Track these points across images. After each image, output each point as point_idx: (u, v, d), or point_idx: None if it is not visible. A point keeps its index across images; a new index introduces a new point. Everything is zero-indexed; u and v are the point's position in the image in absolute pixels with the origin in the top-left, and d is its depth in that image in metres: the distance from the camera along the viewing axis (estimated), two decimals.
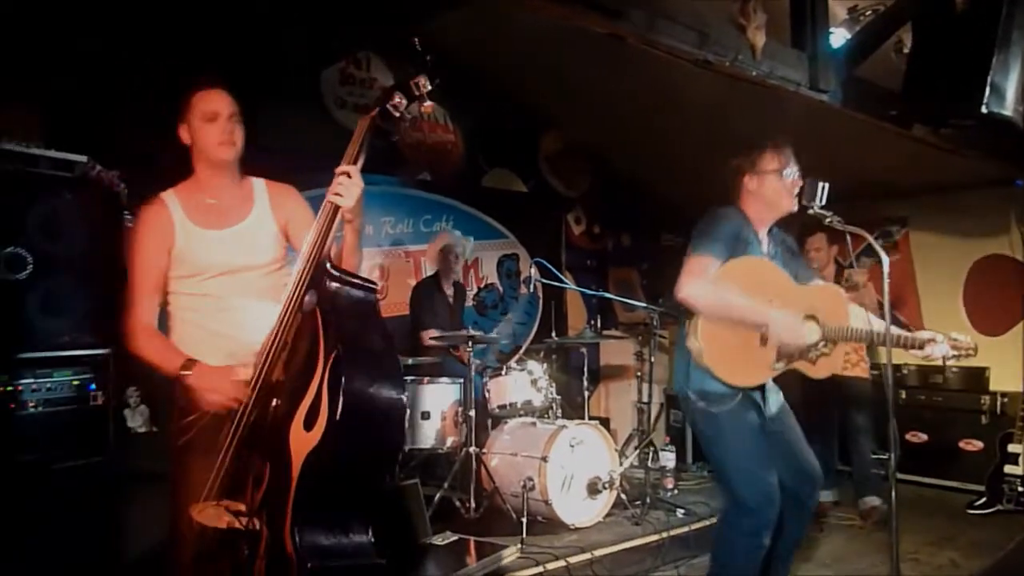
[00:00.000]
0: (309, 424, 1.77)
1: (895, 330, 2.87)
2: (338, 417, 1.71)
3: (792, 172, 2.88)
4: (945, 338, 2.84)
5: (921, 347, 2.84)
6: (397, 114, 1.92)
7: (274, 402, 1.89)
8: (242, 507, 1.83)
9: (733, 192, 2.97)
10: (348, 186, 1.91)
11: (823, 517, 4.58)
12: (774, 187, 2.88)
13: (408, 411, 4.19)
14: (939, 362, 2.93)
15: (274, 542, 1.78)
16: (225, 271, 2.19)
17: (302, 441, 1.77)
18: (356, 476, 1.87)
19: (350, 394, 1.74)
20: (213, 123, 2.14)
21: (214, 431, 1.98)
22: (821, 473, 3.03)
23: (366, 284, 1.97)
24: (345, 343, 1.79)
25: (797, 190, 2.85)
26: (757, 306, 2.75)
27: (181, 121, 2.18)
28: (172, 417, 2.19)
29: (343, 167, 1.93)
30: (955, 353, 2.84)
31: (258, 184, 2.33)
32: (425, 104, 1.94)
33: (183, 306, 2.22)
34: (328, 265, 1.91)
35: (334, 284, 1.89)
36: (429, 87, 1.91)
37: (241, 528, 1.79)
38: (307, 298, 1.89)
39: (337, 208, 1.92)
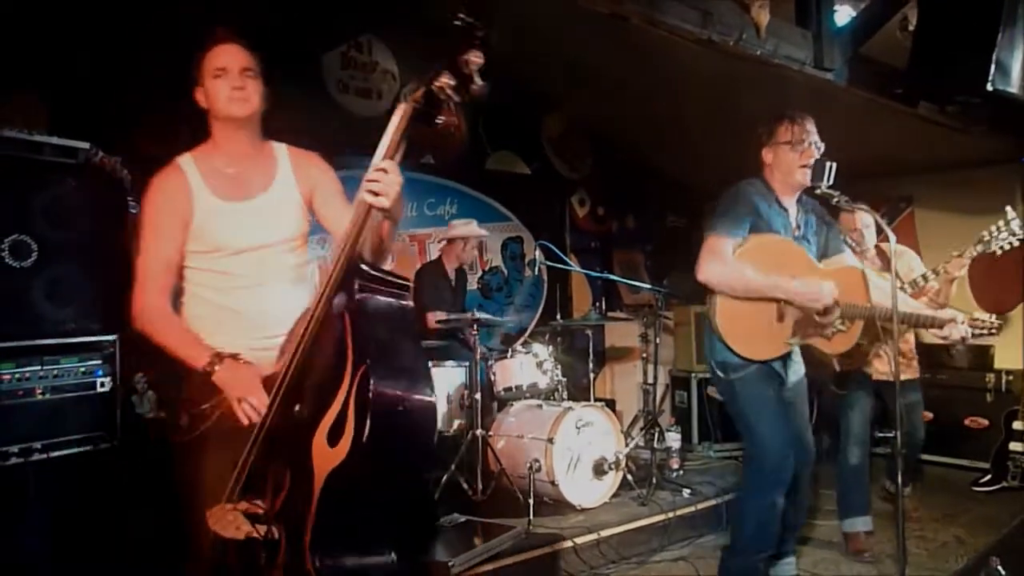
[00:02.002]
0: (333, 439, 1.64)
1: (916, 308, 2.91)
2: (364, 440, 1.59)
3: (805, 145, 2.88)
4: (966, 318, 2.84)
5: (941, 327, 2.86)
6: (443, 97, 1.69)
7: (296, 407, 1.77)
8: (261, 509, 1.73)
9: (758, 162, 3.03)
10: (386, 184, 1.70)
11: (864, 551, 3.81)
12: (787, 159, 2.92)
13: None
14: (958, 344, 2.94)
15: (293, 555, 1.69)
16: (246, 248, 2.03)
17: (326, 456, 1.65)
18: (381, 498, 1.76)
19: (377, 416, 1.60)
20: (222, 79, 1.98)
21: (228, 424, 1.85)
22: (814, 452, 3.16)
23: (400, 285, 1.79)
24: (375, 356, 1.65)
25: (810, 163, 2.86)
26: (775, 280, 2.83)
27: (196, 84, 2.02)
28: (180, 407, 2.02)
29: (381, 162, 1.72)
30: (976, 332, 2.86)
31: (280, 149, 2.15)
32: (476, 84, 1.70)
33: (198, 282, 2.06)
34: (363, 265, 1.75)
35: (367, 287, 1.72)
36: (481, 63, 1.68)
37: (259, 537, 1.70)
38: (336, 299, 1.73)
39: (371, 206, 1.72)
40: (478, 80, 1.69)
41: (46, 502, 2.72)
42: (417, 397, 1.71)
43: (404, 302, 1.79)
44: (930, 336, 3.35)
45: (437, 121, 1.70)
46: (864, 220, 3.80)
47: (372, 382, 1.61)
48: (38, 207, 2.83)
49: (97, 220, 2.99)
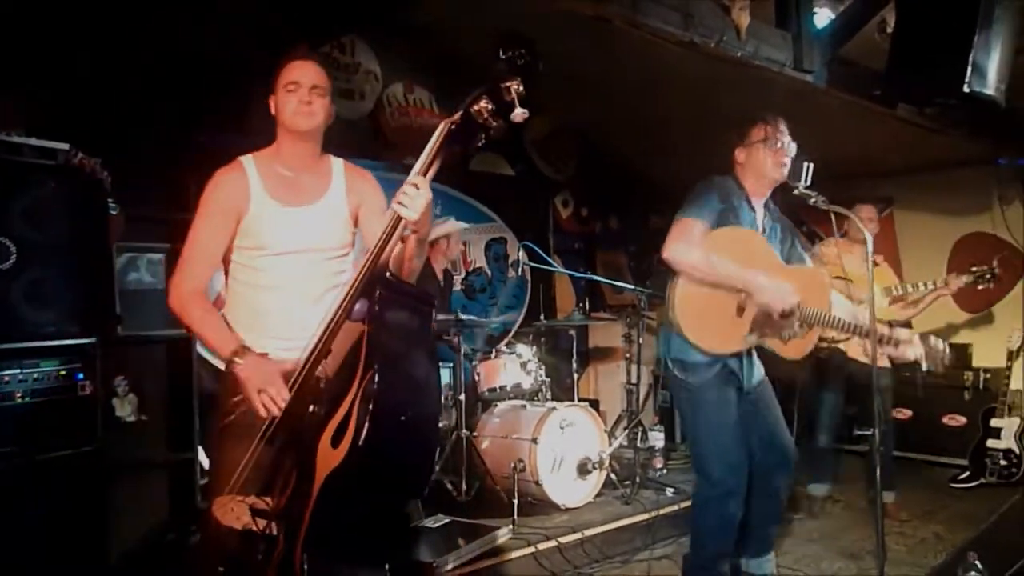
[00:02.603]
0: (336, 441, 1.69)
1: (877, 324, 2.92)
2: (360, 443, 1.63)
3: (778, 142, 2.91)
4: (923, 341, 2.87)
5: (896, 345, 2.88)
6: (480, 121, 1.76)
7: (311, 408, 1.82)
8: (267, 504, 1.76)
9: (729, 164, 3.03)
10: (414, 197, 1.79)
11: (819, 508, 4.55)
12: (760, 157, 2.94)
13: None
14: (913, 365, 2.97)
15: (287, 555, 1.71)
16: (287, 251, 2.12)
17: (327, 457, 1.69)
18: (376, 506, 1.79)
19: (376, 421, 1.63)
20: (292, 93, 2.11)
21: (255, 417, 1.92)
22: (794, 451, 3.10)
23: (423, 299, 1.85)
24: (383, 364, 1.68)
25: (786, 159, 2.88)
26: (741, 270, 2.79)
27: (271, 92, 2.16)
28: (220, 397, 2.13)
29: (413, 177, 1.81)
30: (927, 360, 2.88)
31: (336, 164, 2.28)
32: (516, 111, 1.73)
33: (239, 278, 2.17)
34: (387, 275, 1.82)
35: (388, 297, 1.76)
36: (523, 91, 1.72)
37: (257, 532, 1.74)
38: (357, 306, 1.79)
39: (400, 218, 1.81)
40: (519, 108, 1.72)
41: (26, 506, 2.69)
42: (420, 409, 1.75)
43: (423, 316, 1.84)
44: None
45: (471, 143, 1.78)
46: (866, 212, 4.36)
47: (376, 388, 1.64)
48: (17, 209, 2.80)
49: (77, 221, 2.96)
